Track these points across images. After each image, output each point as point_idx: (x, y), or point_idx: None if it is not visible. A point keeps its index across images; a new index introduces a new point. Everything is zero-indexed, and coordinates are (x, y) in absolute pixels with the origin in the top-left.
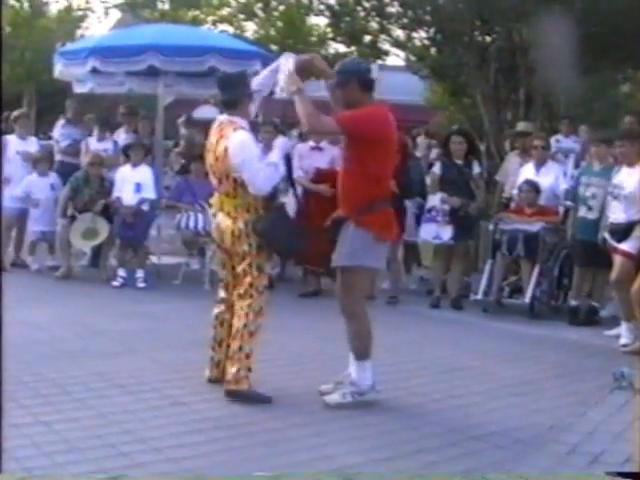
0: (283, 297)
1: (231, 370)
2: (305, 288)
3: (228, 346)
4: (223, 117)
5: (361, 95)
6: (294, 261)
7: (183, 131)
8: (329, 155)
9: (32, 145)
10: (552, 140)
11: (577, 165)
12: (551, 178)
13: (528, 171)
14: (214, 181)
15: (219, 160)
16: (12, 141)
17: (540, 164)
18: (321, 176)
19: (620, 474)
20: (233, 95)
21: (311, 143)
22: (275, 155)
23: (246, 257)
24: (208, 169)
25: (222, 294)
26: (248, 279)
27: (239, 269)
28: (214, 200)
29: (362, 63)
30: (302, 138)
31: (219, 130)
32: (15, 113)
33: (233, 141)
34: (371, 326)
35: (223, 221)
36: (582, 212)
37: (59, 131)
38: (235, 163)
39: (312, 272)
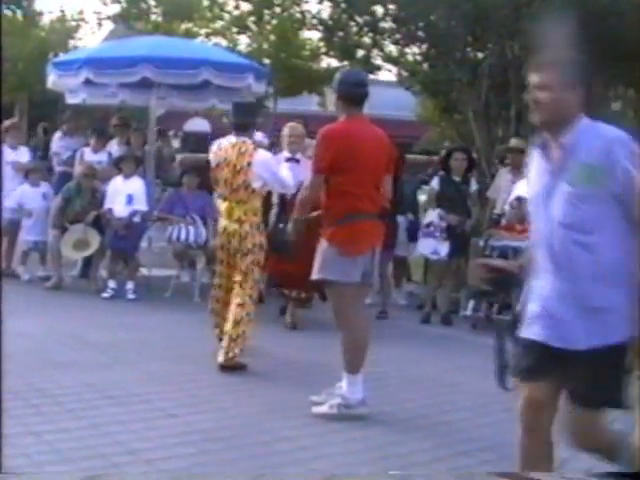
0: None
1: (235, 350)
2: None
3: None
4: (235, 138)
5: (343, 106)
6: (276, 287)
7: (175, 144)
8: (306, 166)
9: (23, 155)
10: None
11: None
12: None
13: (522, 187)
14: (227, 191)
15: (240, 173)
16: (3, 152)
17: None
18: None
19: (620, 474)
20: (245, 120)
21: (286, 154)
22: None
23: (249, 254)
24: (220, 181)
25: (218, 281)
26: (252, 274)
27: (243, 266)
28: (223, 208)
29: (352, 74)
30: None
31: (238, 148)
32: (6, 123)
33: (258, 158)
34: (365, 342)
35: (230, 226)
36: None
37: (58, 144)
38: (262, 176)
39: (292, 299)
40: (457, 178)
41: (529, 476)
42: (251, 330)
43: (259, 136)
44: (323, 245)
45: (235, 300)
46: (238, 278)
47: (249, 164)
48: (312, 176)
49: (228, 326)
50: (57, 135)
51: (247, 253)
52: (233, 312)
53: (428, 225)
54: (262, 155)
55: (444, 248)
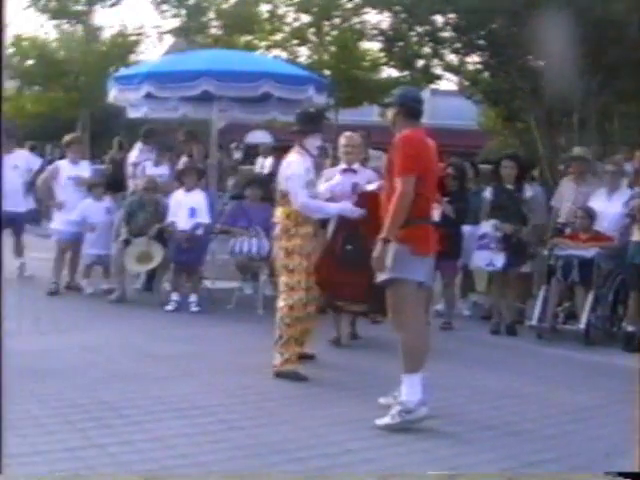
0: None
1: (276, 356)
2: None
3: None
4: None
5: (401, 120)
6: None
7: (237, 156)
8: (364, 176)
9: (84, 170)
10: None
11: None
12: (623, 204)
13: (600, 197)
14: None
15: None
16: (64, 166)
17: (613, 190)
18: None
19: (620, 474)
20: (306, 127)
21: (343, 165)
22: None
23: (277, 258)
24: None
25: None
26: (282, 278)
27: (276, 270)
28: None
29: (412, 91)
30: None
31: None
32: (67, 138)
33: (286, 160)
34: (424, 341)
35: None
36: (636, 236)
37: (137, 155)
38: (283, 176)
39: (346, 311)
40: (509, 186)
41: None
42: (290, 336)
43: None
44: (393, 246)
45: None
46: None
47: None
48: (404, 179)
49: None
50: (137, 147)
51: (275, 257)
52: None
53: (482, 237)
54: (290, 157)
55: (500, 259)
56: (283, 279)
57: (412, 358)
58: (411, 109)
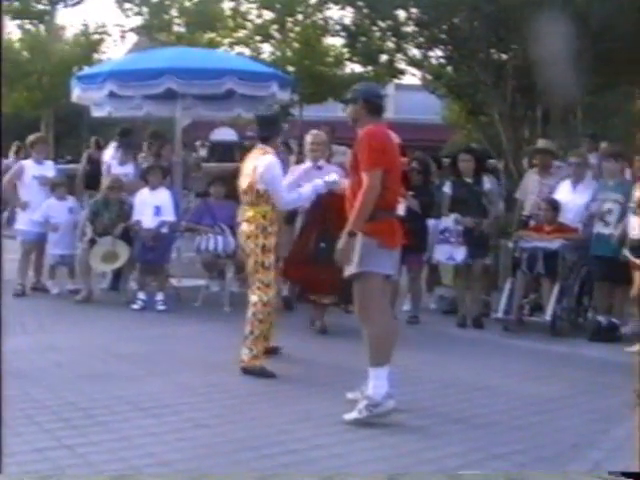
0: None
1: (244, 351)
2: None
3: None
4: (258, 146)
5: (364, 115)
6: (301, 294)
7: (202, 153)
8: (329, 173)
9: (49, 169)
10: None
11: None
12: (587, 196)
13: (564, 188)
14: (242, 195)
15: (248, 176)
16: (28, 166)
17: (577, 181)
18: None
19: (621, 474)
20: (267, 133)
21: (309, 163)
22: (289, 179)
23: (251, 255)
24: (239, 186)
25: None
26: (258, 275)
27: (249, 267)
28: (240, 211)
29: (373, 87)
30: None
31: (251, 155)
32: (31, 137)
33: (262, 162)
34: (391, 334)
35: (243, 227)
36: (598, 227)
37: (111, 153)
38: (264, 179)
39: (317, 304)
40: (468, 179)
41: None
42: (261, 332)
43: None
44: (360, 239)
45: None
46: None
47: (254, 168)
48: (370, 173)
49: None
50: (112, 146)
51: (250, 254)
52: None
53: (443, 231)
54: (267, 159)
55: (460, 253)
56: (259, 276)
57: (378, 351)
58: (374, 105)
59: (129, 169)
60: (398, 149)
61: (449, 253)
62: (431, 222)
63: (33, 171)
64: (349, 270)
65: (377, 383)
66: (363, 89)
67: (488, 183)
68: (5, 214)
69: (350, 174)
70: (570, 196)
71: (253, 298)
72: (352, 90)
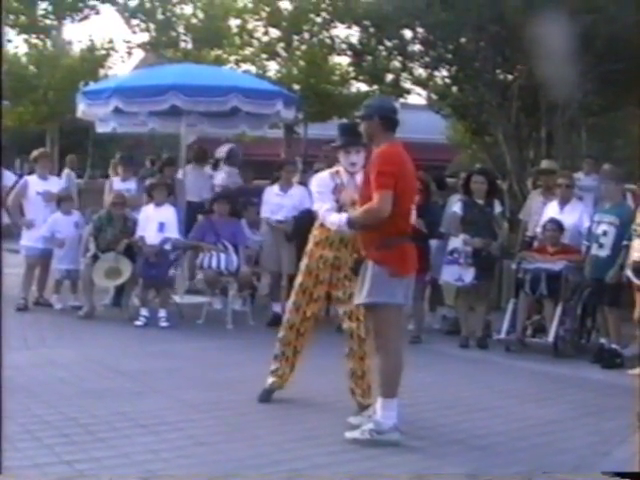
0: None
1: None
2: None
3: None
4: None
5: (380, 132)
6: None
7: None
8: (295, 198)
9: (54, 185)
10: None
11: (597, 203)
12: (575, 216)
13: (552, 209)
14: None
15: None
16: (32, 182)
17: (564, 202)
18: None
19: (620, 474)
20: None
21: (276, 189)
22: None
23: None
24: None
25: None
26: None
27: None
28: None
29: (388, 102)
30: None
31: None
32: (35, 153)
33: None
34: (402, 366)
35: None
36: (594, 250)
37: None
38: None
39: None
40: (480, 201)
41: None
42: (280, 352)
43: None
44: (371, 269)
45: None
46: None
47: None
48: (381, 193)
49: None
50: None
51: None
52: None
53: (452, 252)
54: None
55: (469, 274)
56: (292, 296)
57: (390, 383)
58: (390, 121)
59: (131, 185)
60: (412, 169)
61: (458, 274)
62: (433, 242)
63: (37, 187)
64: (358, 299)
65: (386, 414)
66: (378, 105)
67: (499, 206)
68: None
69: (362, 192)
70: (558, 217)
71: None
72: (366, 106)
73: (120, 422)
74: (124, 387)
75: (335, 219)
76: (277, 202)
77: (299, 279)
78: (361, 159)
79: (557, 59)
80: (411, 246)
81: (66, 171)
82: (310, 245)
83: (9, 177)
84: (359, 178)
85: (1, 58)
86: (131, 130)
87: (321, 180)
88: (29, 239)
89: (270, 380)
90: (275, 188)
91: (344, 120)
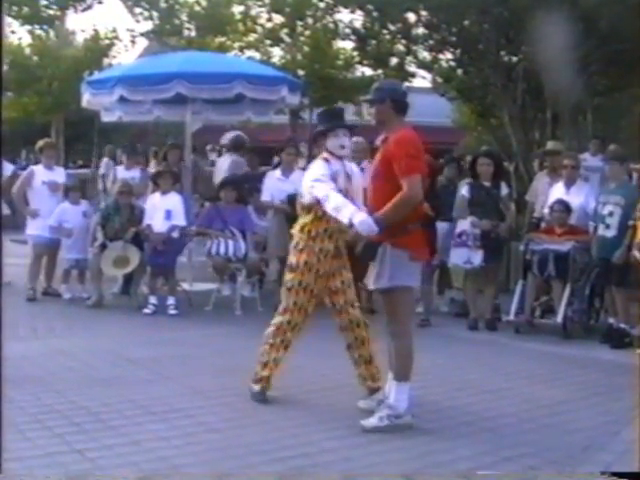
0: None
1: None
2: None
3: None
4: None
5: (393, 116)
6: None
7: (212, 157)
8: (297, 183)
9: (59, 175)
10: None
11: (602, 184)
12: (581, 197)
13: (558, 190)
14: None
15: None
16: (38, 171)
17: (570, 183)
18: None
19: (619, 474)
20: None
21: (278, 173)
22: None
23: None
24: None
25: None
26: (284, 296)
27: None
28: None
29: (399, 84)
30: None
31: None
32: (40, 143)
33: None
34: (413, 349)
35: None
36: (600, 230)
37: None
38: (306, 187)
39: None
40: (486, 183)
41: None
42: (269, 358)
43: None
44: (391, 252)
45: None
46: None
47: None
48: (411, 178)
49: None
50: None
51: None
52: None
53: (460, 234)
54: (312, 166)
55: (477, 257)
56: (282, 297)
57: (406, 366)
58: (402, 104)
59: (135, 173)
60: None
61: (467, 256)
62: (440, 225)
63: (43, 177)
64: (379, 283)
65: (400, 397)
66: (389, 88)
67: (505, 188)
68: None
69: (375, 179)
70: (564, 198)
71: (274, 320)
72: (376, 89)
73: (130, 410)
74: (134, 375)
75: (355, 216)
76: (279, 187)
77: (298, 277)
78: (349, 142)
79: (561, 41)
80: (424, 231)
81: (105, 160)
82: (304, 240)
83: (7, 167)
84: (348, 165)
85: (1, 50)
86: (136, 119)
87: (318, 168)
88: (36, 228)
89: (259, 386)
90: (277, 172)
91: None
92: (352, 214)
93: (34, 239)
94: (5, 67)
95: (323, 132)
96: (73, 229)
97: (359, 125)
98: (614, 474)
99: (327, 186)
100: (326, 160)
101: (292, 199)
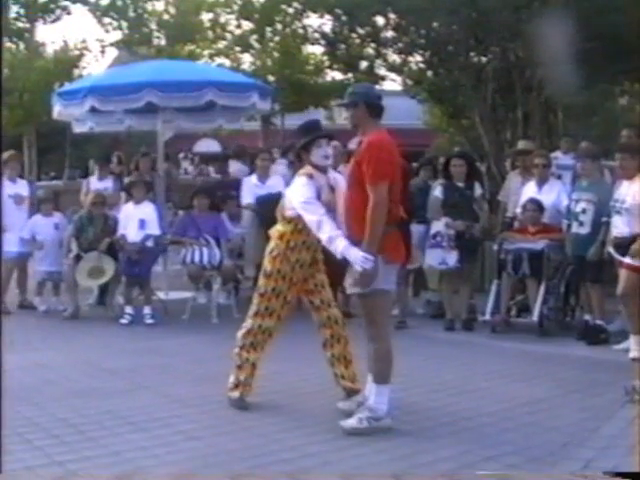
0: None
1: (230, 379)
2: None
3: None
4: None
5: (367, 119)
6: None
7: (185, 166)
8: (274, 189)
9: (22, 188)
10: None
11: (574, 181)
12: (553, 196)
13: (530, 189)
14: None
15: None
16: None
17: (542, 182)
18: None
19: (619, 474)
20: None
21: (254, 179)
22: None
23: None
24: None
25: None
26: (254, 299)
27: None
28: None
29: (373, 88)
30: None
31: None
32: (4, 155)
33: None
34: (392, 352)
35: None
36: (574, 228)
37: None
38: (293, 203)
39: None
40: (460, 184)
41: None
42: (242, 361)
43: None
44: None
45: None
46: None
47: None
48: (377, 187)
49: None
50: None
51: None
52: None
53: (435, 236)
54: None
55: (452, 257)
56: (254, 301)
57: (385, 369)
58: (376, 107)
59: (108, 183)
60: (398, 156)
61: (441, 258)
62: (416, 227)
63: (8, 190)
64: (355, 289)
65: (379, 399)
66: (363, 91)
67: (479, 189)
68: None
69: (351, 184)
70: (536, 197)
71: (245, 322)
72: (350, 93)
73: (110, 420)
74: (112, 385)
75: (349, 252)
76: (256, 193)
77: (271, 284)
78: (331, 151)
79: (530, 40)
80: (399, 234)
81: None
82: (282, 249)
83: None
84: (331, 176)
85: (1, 62)
86: (108, 129)
87: (303, 188)
88: (3, 242)
89: (238, 392)
90: (253, 178)
91: (319, 110)
92: (345, 248)
93: (3, 253)
94: None
95: (305, 146)
96: (44, 241)
97: (334, 130)
98: (617, 474)
99: (318, 211)
100: (310, 176)
101: (262, 201)
